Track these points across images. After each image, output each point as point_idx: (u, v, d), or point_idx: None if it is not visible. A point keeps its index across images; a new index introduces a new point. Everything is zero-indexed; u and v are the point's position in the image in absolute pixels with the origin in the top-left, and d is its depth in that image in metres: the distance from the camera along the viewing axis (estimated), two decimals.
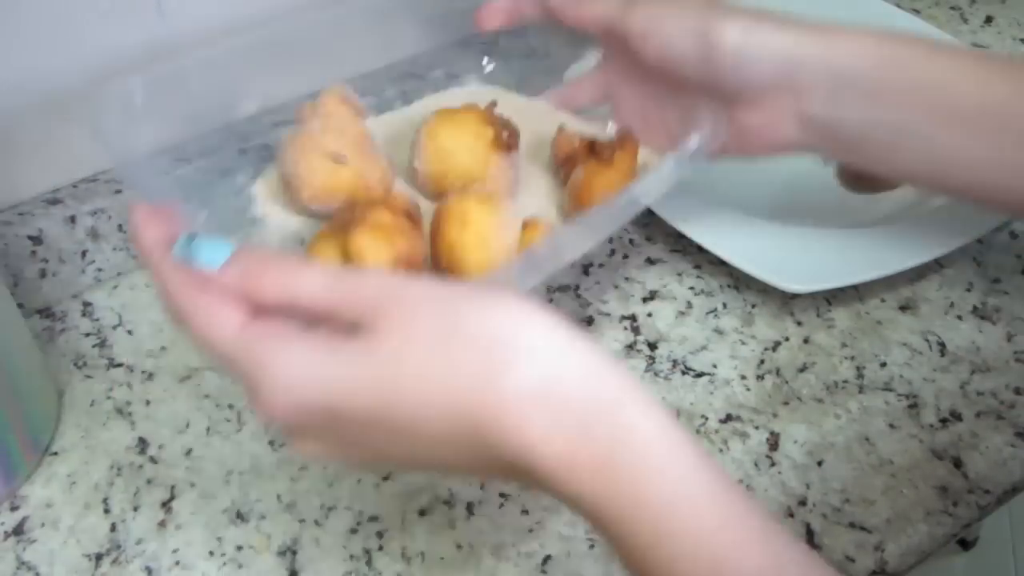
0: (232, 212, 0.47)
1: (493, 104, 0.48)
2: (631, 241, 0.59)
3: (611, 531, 0.30)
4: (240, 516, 0.47)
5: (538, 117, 0.53)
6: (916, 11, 0.74)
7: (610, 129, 0.53)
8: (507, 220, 0.44)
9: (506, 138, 0.47)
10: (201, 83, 0.45)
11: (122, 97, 0.40)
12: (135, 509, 0.47)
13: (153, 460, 0.49)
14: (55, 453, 0.50)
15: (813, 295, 0.55)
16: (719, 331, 0.54)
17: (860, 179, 0.61)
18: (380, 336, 0.29)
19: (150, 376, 0.53)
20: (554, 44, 0.56)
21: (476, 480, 0.47)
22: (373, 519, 0.46)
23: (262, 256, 0.32)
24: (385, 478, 0.48)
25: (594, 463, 0.29)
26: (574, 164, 0.49)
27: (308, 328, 0.31)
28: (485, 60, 0.57)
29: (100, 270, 0.58)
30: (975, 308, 0.54)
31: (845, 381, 0.51)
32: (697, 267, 0.57)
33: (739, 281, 0.56)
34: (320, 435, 0.32)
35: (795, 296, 0.54)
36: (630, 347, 0.53)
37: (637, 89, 0.51)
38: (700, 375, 0.52)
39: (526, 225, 0.45)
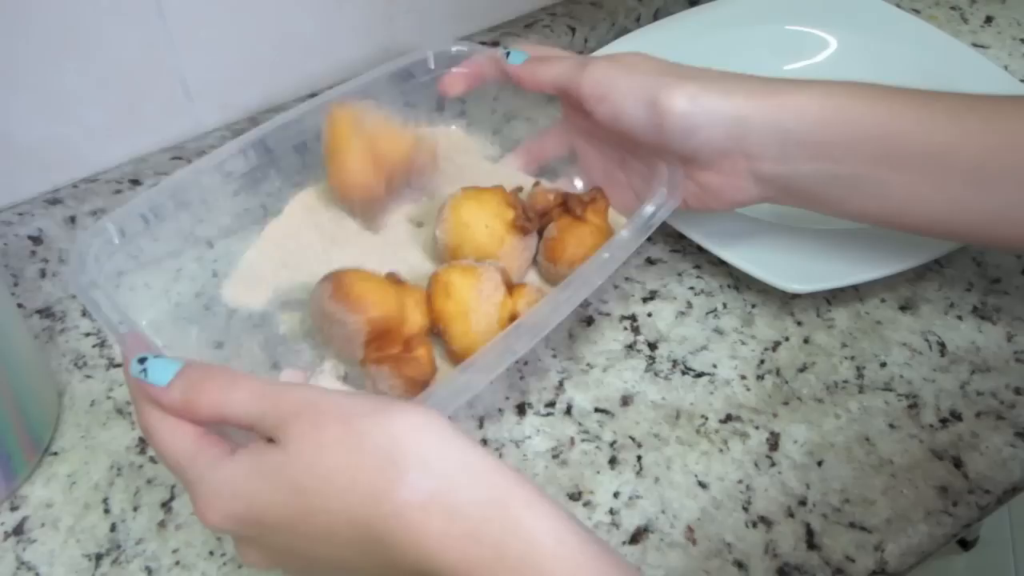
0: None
1: (519, 189, 0.51)
2: None
3: None
4: None
5: (508, 178, 0.55)
6: (916, 11, 0.74)
7: (578, 185, 0.55)
8: (489, 290, 0.46)
9: (524, 221, 0.49)
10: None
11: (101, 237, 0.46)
12: (135, 509, 0.47)
13: (153, 460, 0.49)
14: (55, 453, 0.50)
15: (813, 295, 0.55)
16: (719, 331, 0.54)
17: None
18: (291, 447, 0.32)
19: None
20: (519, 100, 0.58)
21: None
22: None
23: (201, 376, 0.35)
24: None
25: (486, 564, 0.30)
26: (548, 219, 0.51)
27: (243, 440, 0.34)
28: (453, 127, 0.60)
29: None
30: (975, 308, 0.54)
31: (845, 381, 0.51)
32: (697, 267, 0.57)
33: (739, 281, 0.56)
34: (255, 543, 0.35)
35: (795, 296, 0.54)
36: (630, 347, 0.53)
37: (597, 147, 0.53)
38: (700, 375, 0.52)
39: (513, 290, 0.47)
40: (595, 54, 0.66)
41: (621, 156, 0.52)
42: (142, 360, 0.36)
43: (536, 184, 0.53)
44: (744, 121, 0.46)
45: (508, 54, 0.52)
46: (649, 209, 0.47)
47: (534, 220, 0.50)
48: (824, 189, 0.47)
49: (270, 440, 0.33)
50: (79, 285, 0.42)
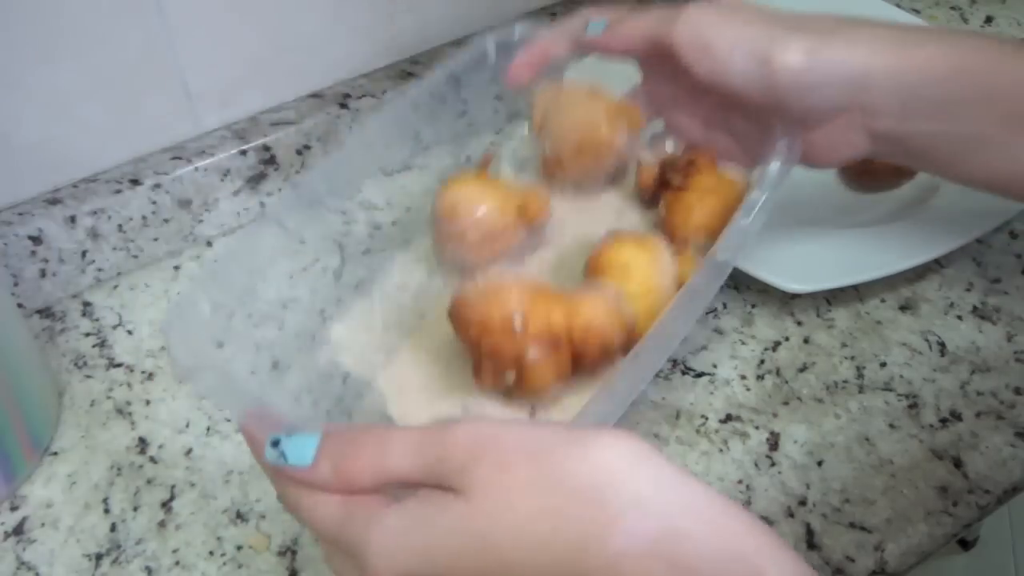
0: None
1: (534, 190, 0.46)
2: None
3: None
4: (240, 516, 0.47)
5: None
6: (916, 11, 0.74)
7: (670, 148, 0.50)
8: (664, 260, 0.42)
9: (530, 213, 0.45)
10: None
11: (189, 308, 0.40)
12: (135, 509, 0.47)
13: (153, 460, 0.49)
14: (55, 453, 0.50)
15: (813, 295, 0.55)
16: (719, 331, 0.54)
17: (862, 178, 0.61)
18: (475, 494, 0.27)
19: (150, 376, 0.53)
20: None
21: None
22: None
23: (346, 442, 0.30)
24: None
25: None
26: (659, 196, 0.47)
27: (404, 495, 0.29)
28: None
29: (100, 270, 0.58)
30: (975, 308, 0.54)
31: (845, 381, 0.51)
32: None
33: (739, 281, 0.56)
34: None
35: (795, 296, 0.54)
36: None
37: (689, 111, 0.48)
38: (700, 375, 0.52)
39: (679, 257, 0.43)
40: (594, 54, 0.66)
41: (719, 117, 0.47)
42: (276, 443, 0.31)
43: (639, 164, 0.48)
44: (867, 77, 0.42)
45: (588, 26, 0.47)
46: (773, 168, 0.42)
47: (541, 211, 0.46)
48: (945, 149, 0.44)
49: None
50: (182, 370, 0.37)
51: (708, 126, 0.48)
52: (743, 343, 0.53)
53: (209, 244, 0.61)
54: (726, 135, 0.48)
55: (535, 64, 0.48)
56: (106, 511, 0.47)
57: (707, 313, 0.55)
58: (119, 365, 0.54)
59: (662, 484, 0.27)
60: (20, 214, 0.55)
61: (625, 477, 0.27)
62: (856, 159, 0.46)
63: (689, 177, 0.45)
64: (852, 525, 0.45)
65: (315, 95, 0.63)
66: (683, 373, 0.52)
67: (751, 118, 0.46)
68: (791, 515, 0.45)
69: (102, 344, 0.55)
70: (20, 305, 0.56)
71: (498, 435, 0.28)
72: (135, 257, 0.59)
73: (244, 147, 0.59)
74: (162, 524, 0.47)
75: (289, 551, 0.45)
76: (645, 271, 0.41)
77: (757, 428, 0.49)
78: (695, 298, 0.40)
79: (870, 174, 0.60)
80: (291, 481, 0.31)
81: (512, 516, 0.27)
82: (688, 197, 0.45)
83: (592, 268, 0.43)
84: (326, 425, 0.31)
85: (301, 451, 0.30)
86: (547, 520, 0.27)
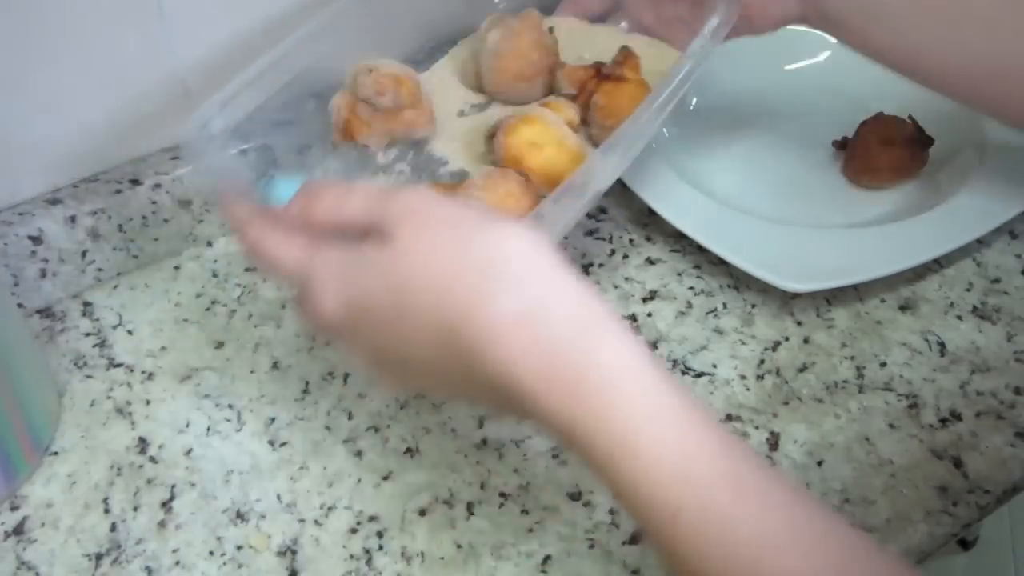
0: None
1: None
2: (631, 241, 0.59)
3: (582, 447, 0.32)
4: (240, 516, 0.47)
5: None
6: None
7: (624, 28, 0.56)
8: (561, 127, 0.48)
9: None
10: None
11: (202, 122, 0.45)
12: (135, 509, 0.47)
13: (153, 460, 0.49)
14: (55, 453, 0.50)
15: (813, 295, 0.55)
16: (719, 331, 0.54)
17: (862, 177, 0.61)
18: (398, 243, 0.33)
19: (150, 376, 0.53)
20: None
21: (477, 481, 0.47)
22: (373, 519, 0.46)
23: (319, 186, 0.36)
24: (385, 478, 0.48)
25: (566, 384, 0.31)
26: (590, 93, 0.52)
27: (352, 242, 0.35)
28: None
29: (100, 270, 0.58)
30: (975, 308, 0.54)
31: (845, 381, 0.51)
32: (697, 267, 0.57)
33: (739, 281, 0.56)
34: (358, 335, 0.35)
35: (795, 296, 0.54)
36: None
37: None
38: (700, 375, 0.52)
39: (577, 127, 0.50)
40: None
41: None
42: (270, 178, 0.39)
43: (562, 65, 0.54)
44: None
45: None
46: (711, 24, 0.48)
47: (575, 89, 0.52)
48: (854, 17, 0.49)
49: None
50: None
51: (658, 5, 0.55)
52: (743, 343, 0.53)
53: (209, 244, 0.61)
54: (673, 8, 0.54)
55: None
56: (106, 511, 0.47)
57: (707, 313, 0.55)
58: (119, 365, 0.54)
59: (544, 271, 0.32)
60: (20, 214, 0.55)
61: (514, 260, 0.32)
62: (788, 23, 0.51)
63: (624, 67, 0.51)
64: (852, 525, 0.45)
65: (315, 95, 0.63)
66: (683, 373, 0.52)
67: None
68: None
69: (102, 344, 0.55)
70: (20, 305, 0.56)
71: (432, 204, 0.34)
72: (135, 257, 0.59)
73: (244, 147, 0.59)
74: (162, 524, 0.47)
75: (289, 551, 0.45)
76: (547, 135, 0.47)
77: (757, 428, 0.49)
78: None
79: (871, 173, 0.60)
80: (260, 224, 0.37)
81: (421, 267, 0.33)
82: (624, 88, 0.51)
83: (506, 161, 0.48)
84: (310, 180, 0.37)
85: (285, 190, 0.37)
86: (446, 278, 0.32)
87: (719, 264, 0.56)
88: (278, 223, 0.37)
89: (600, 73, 0.52)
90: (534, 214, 0.40)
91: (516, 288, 0.32)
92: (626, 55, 0.52)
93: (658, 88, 0.46)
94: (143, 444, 0.50)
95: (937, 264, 0.56)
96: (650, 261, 0.58)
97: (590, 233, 0.58)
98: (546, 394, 0.31)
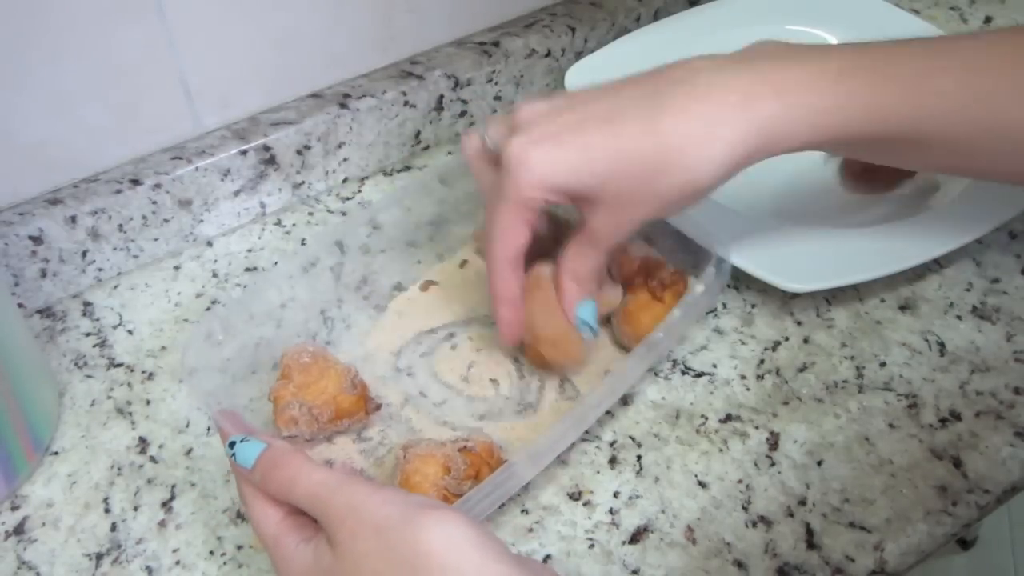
0: None
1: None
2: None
3: None
4: (240, 516, 0.47)
5: None
6: (916, 11, 0.74)
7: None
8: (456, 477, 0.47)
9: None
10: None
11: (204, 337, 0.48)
12: (135, 509, 0.47)
13: (153, 460, 0.49)
14: (55, 453, 0.50)
15: (813, 295, 0.55)
16: (719, 331, 0.54)
17: (860, 179, 0.61)
18: (338, 552, 0.35)
19: (150, 376, 0.53)
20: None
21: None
22: None
23: (272, 462, 0.38)
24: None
25: None
26: (632, 284, 0.52)
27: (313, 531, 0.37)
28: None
29: (100, 270, 0.58)
30: (974, 308, 0.54)
31: (845, 381, 0.51)
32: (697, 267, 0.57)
33: (739, 281, 0.56)
34: None
35: (795, 296, 0.55)
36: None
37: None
38: (700, 375, 0.52)
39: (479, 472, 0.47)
40: (594, 54, 0.66)
41: None
42: (232, 444, 0.39)
43: (624, 250, 0.53)
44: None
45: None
46: (699, 288, 0.49)
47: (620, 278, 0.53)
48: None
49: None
50: (186, 370, 0.46)
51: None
52: (743, 343, 0.53)
53: (209, 244, 0.61)
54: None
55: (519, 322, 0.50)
56: (106, 511, 0.48)
57: (707, 313, 0.55)
58: (119, 365, 0.54)
59: (470, 560, 0.33)
60: (21, 214, 0.55)
61: (438, 552, 0.33)
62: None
63: (666, 292, 0.51)
64: (852, 525, 0.45)
65: (315, 95, 0.63)
66: (683, 373, 0.52)
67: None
68: (791, 515, 0.46)
69: (102, 344, 0.55)
70: (20, 305, 0.56)
71: (360, 506, 0.35)
72: (135, 257, 0.59)
73: (244, 147, 0.59)
74: (162, 524, 0.47)
75: None
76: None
77: (757, 428, 0.49)
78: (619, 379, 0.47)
79: (870, 174, 0.60)
80: (244, 482, 0.39)
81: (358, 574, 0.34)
82: (657, 308, 0.51)
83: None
84: (273, 441, 0.39)
85: (247, 455, 0.38)
86: None
87: None
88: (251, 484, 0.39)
89: (646, 279, 0.52)
90: (462, 501, 0.41)
91: None
92: (679, 280, 0.52)
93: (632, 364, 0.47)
94: (143, 444, 0.50)
95: (937, 264, 0.56)
96: None
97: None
98: None
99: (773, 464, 0.48)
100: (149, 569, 0.45)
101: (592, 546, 0.45)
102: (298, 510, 0.38)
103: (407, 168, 0.66)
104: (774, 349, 0.53)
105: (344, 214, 0.63)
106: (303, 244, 0.61)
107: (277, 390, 0.47)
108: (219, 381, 0.48)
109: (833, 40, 0.69)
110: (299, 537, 0.37)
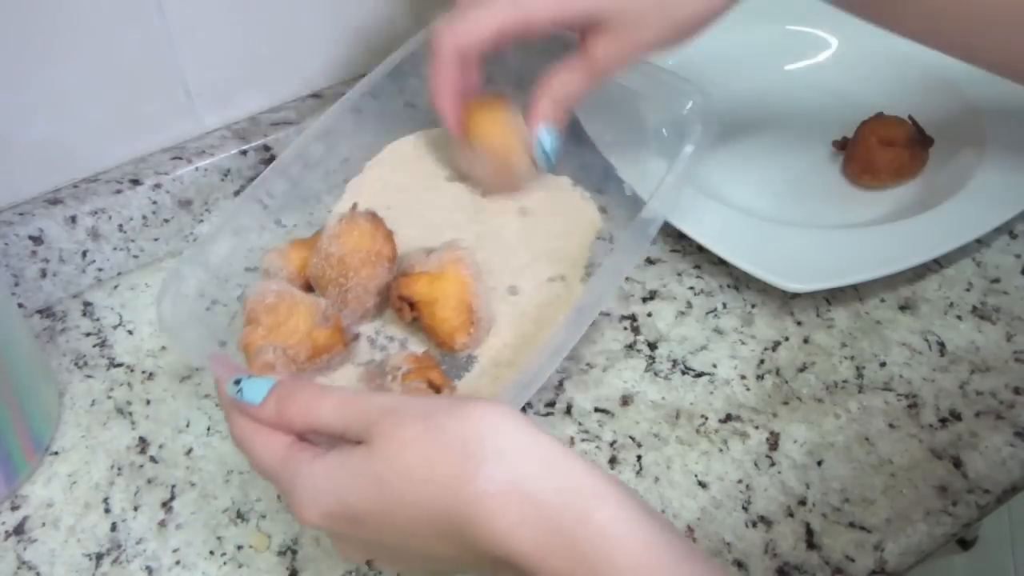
0: None
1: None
2: None
3: None
4: (240, 516, 0.47)
5: None
6: None
7: None
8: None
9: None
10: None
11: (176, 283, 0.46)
12: (135, 509, 0.48)
13: (153, 460, 0.49)
14: (56, 453, 0.50)
15: (813, 295, 0.55)
16: (719, 331, 0.54)
17: (862, 177, 0.61)
18: (376, 446, 0.34)
19: (150, 376, 0.53)
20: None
21: None
22: None
23: (292, 390, 0.37)
24: None
25: (562, 552, 0.31)
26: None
27: (332, 446, 0.36)
28: None
29: (100, 270, 0.58)
30: (975, 308, 0.54)
31: (845, 381, 0.51)
32: (697, 267, 0.57)
33: (739, 281, 0.56)
34: (350, 539, 0.36)
35: (795, 296, 0.55)
36: (630, 347, 0.53)
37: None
38: (700, 375, 0.52)
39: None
40: None
41: None
42: (237, 382, 0.38)
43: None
44: None
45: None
46: (688, 148, 0.48)
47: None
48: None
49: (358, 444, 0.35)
50: (162, 321, 0.44)
51: None
52: (743, 343, 0.53)
53: None
54: None
55: (454, 102, 0.49)
56: (106, 511, 0.48)
57: (707, 313, 0.55)
58: (119, 365, 0.54)
59: (520, 441, 0.33)
60: (21, 214, 0.55)
61: (489, 435, 0.33)
62: None
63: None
64: (852, 525, 0.45)
65: (315, 95, 0.63)
66: (683, 373, 0.52)
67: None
68: (791, 515, 0.46)
69: (102, 344, 0.55)
70: (21, 305, 0.56)
71: (401, 403, 0.34)
72: (135, 257, 0.59)
73: (244, 147, 0.59)
74: (162, 524, 0.47)
75: (289, 551, 0.45)
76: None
77: (757, 428, 0.49)
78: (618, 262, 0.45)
79: (870, 173, 0.61)
80: (244, 419, 0.37)
81: (401, 461, 0.33)
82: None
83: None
84: (282, 377, 0.38)
85: (256, 391, 0.37)
86: (427, 465, 0.33)
87: (719, 264, 0.56)
88: (260, 422, 0.37)
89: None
90: (501, 392, 0.41)
91: (496, 462, 0.32)
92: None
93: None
94: (143, 444, 0.50)
95: (937, 264, 0.56)
96: (650, 261, 0.58)
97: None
98: (545, 560, 0.31)
99: (773, 464, 0.48)
100: (149, 569, 0.45)
101: None
102: (304, 439, 0.37)
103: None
104: (774, 349, 0.53)
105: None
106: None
107: (246, 336, 0.45)
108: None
109: (833, 40, 0.69)
110: (312, 453, 0.35)
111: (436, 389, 0.43)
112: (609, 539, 0.31)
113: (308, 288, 0.49)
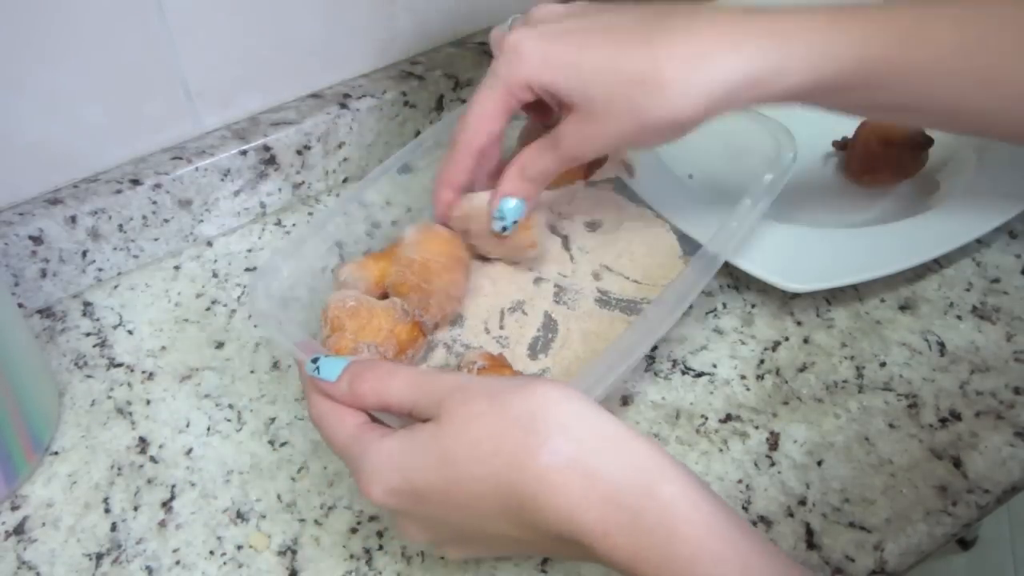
0: None
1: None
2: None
3: None
4: (240, 516, 0.47)
5: None
6: None
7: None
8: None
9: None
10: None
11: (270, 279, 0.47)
12: (135, 509, 0.48)
13: (153, 460, 0.49)
14: (55, 453, 0.50)
15: (813, 295, 0.55)
16: (719, 331, 0.54)
17: (863, 177, 0.61)
18: (443, 422, 0.35)
19: (150, 376, 0.53)
20: None
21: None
22: (373, 519, 0.46)
23: (364, 368, 0.38)
24: None
25: (625, 527, 0.32)
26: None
27: (402, 425, 0.37)
28: None
29: (100, 270, 0.58)
30: (974, 308, 0.54)
31: (845, 381, 0.51)
32: None
33: (739, 281, 0.56)
34: (414, 517, 0.37)
35: (795, 296, 0.55)
36: None
37: None
38: (700, 375, 0.52)
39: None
40: None
41: None
42: (315, 360, 0.39)
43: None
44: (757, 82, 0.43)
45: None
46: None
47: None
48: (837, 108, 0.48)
49: (426, 422, 0.36)
50: (257, 311, 0.45)
51: None
52: (743, 343, 0.53)
53: (209, 244, 0.61)
54: None
55: (454, 199, 0.50)
56: (106, 511, 0.48)
57: (707, 313, 0.55)
58: (119, 365, 0.54)
59: (584, 418, 0.33)
60: (21, 214, 0.55)
61: (554, 411, 0.33)
62: None
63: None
64: (852, 525, 0.45)
65: (315, 95, 0.63)
66: (683, 373, 0.52)
67: None
68: (791, 515, 0.46)
69: (102, 344, 0.55)
70: (21, 305, 0.56)
71: (469, 382, 0.35)
72: (135, 257, 0.59)
73: (244, 147, 0.59)
74: (162, 524, 0.47)
75: (289, 551, 0.45)
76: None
77: (757, 428, 0.49)
78: (682, 293, 0.45)
79: (870, 173, 0.61)
80: (319, 396, 0.39)
81: (467, 436, 0.34)
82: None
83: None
84: (356, 357, 0.39)
85: (331, 369, 0.39)
86: (493, 440, 0.33)
87: None
88: (335, 399, 0.39)
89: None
90: (572, 380, 0.41)
91: (561, 437, 0.33)
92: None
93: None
94: (143, 444, 0.50)
95: (937, 264, 0.56)
96: None
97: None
98: (608, 535, 0.32)
99: (773, 464, 0.48)
100: (149, 569, 0.45)
101: None
102: (375, 420, 0.38)
103: (408, 169, 0.66)
104: (774, 349, 0.53)
105: (344, 214, 0.63)
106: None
107: (335, 343, 0.46)
108: (216, 381, 0.48)
109: None
110: (381, 432, 0.36)
111: None
112: (673, 515, 0.32)
113: (384, 299, 0.50)
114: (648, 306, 0.45)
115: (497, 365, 0.46)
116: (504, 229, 0.49)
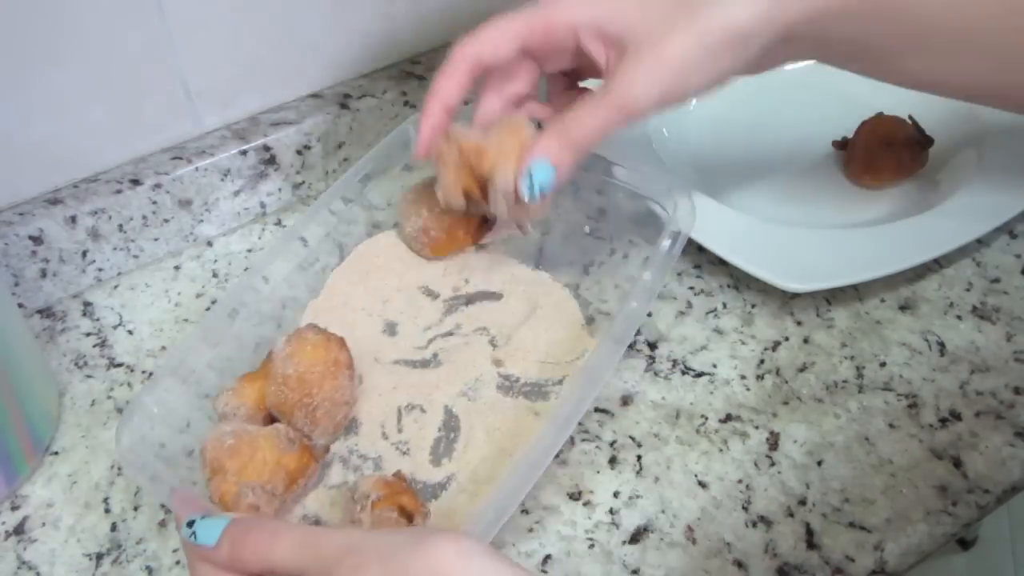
0: None
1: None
2: (631, 241, 0.59)
3: None
4: None
5: None
6: None
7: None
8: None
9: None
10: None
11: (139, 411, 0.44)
12: (135, 509, 0.48)
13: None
14: (56, 453, 0.50)
15: (813, 295, 0.55)
16: (719, 331, 0.54)
17: (863, 176, 0.61)
18: None
19: (150, 376, 0.53)
20: None
21: None
22: None
23: (245, 530, 0.35)
24: None
25: None
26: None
27: None
28: None
29: (100, 270, 0.58)
30: (974, 308, 0.54)
31: (845, 381, 0.51)
32: (697, 267, 0.57)
33: (739, 281, 0.56)
34: None
35: (795, 296, 0.55)
36: (630, 347, 0.53)
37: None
38: (700, 375, 0.52)
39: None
40: None
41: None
42: (191, 523, 0.36)
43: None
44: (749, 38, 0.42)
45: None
46: (663, 247, 0.48)
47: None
48: (847, 54, 0.46)
49: None
50: (122, 453, 0.42)
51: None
52: (743, 343, 0.53)
53: (209, 244, 0.61)
54: None
55: (436, 134, 0.48)
56: (107, 511, 0.48)
57: (707, 313, 0.55)
58: (120, 365, 0.54)
59: (495, 571, 0.31)
60: (21, 214, 0.55)
61: (462, 569, 0.31)
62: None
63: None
64: (852, 525, 0.45)
65: (315, 95, 0.63)
66: (683, 373, 0.52)
67: None
68: (791, 515, 0.46)
69: (102, 344, 0.55)
70: (21, 305, 0.56)
71: (359, 542, 0.33)
72: (135, 257, 0.59)
73: (244, 147, 0.59)
74: (162, 524, 0.47)
75: None
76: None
77: (757, 428, 0.49)
78: (593, 376, 0.43)
79: (871, 173, 0.61)
80: (202, 564, 0.35)
81: None
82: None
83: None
84: (237, 516, 0.36)
85: (209, 533, 0.35)
86: None
87: (719, 264, 0.56)
88: (216, 565, 0.36)
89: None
90: (464, 528, 0.39)
91: None
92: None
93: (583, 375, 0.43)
94: None
95: (937, 264, 0.56)
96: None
97: (590, 232, 0.58)
98: None
99: (773, 464, 0.48)
100: (149, 569, 0.45)
101: (592, 546, 0.45)
102: None
103: (408, 169, 0.66)
104: (774, 349, 0.53)
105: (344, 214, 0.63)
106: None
107: (217, 487, 0.42)
108: (216, 381, 0.48)
109: None
110: None
111: (408, 516, 0.42)
112: None
113: (271, 420, 0.47)
114: (545, 423, 0.41)
115: (394, 493, 0.42)
116: (531, 197, 0.43)
